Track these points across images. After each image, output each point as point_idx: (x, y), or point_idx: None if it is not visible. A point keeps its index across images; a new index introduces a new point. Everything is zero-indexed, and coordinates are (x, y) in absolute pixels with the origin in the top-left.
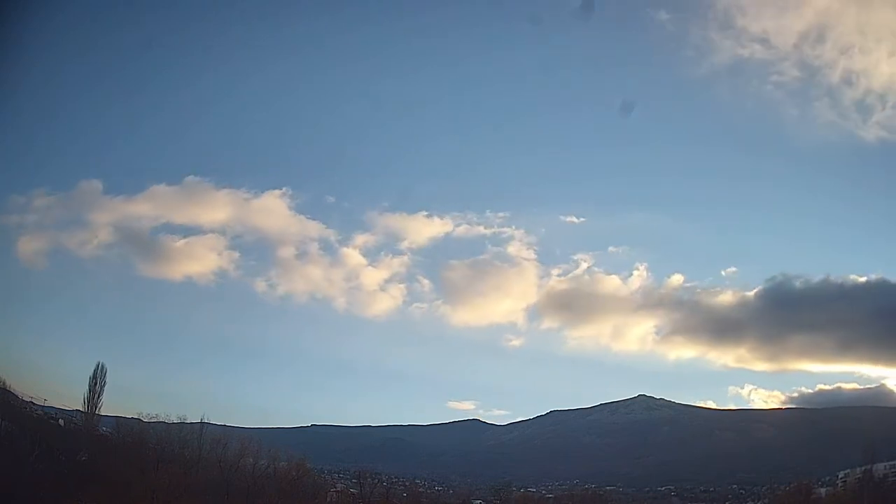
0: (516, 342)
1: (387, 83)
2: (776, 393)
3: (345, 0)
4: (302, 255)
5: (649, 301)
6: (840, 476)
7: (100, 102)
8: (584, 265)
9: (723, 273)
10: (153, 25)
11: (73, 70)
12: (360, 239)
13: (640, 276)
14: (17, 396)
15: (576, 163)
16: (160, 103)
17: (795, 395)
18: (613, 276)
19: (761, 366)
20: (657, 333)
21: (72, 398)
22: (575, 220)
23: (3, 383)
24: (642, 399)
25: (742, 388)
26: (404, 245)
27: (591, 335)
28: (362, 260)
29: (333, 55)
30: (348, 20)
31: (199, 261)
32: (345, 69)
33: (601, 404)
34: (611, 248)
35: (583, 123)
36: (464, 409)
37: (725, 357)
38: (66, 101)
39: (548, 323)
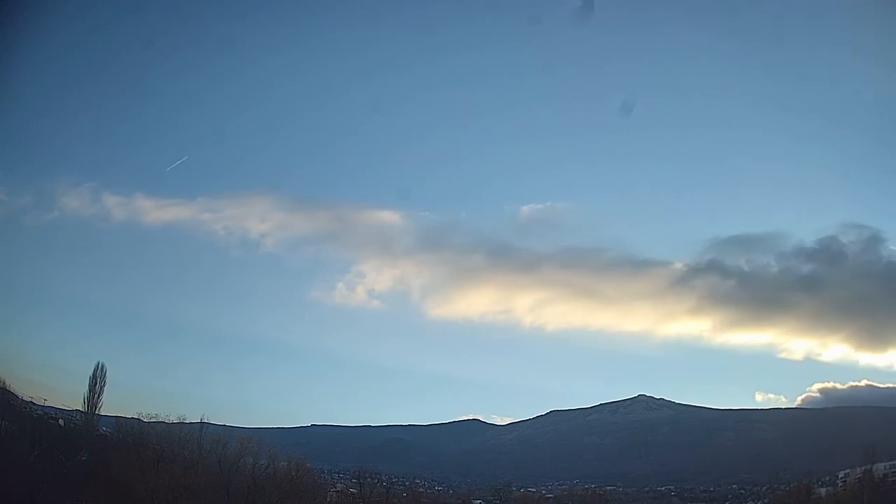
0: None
1: (380, 81)
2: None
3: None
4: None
5: None
6: (840, 476)
7: (97, 98)
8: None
9: None
10: (148, 24)
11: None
12: (356, 237)
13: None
14: (17, 396)
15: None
16: (151, 100)
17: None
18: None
19: None
20: None
21: (72, 398)
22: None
23: (3, 383)
24: (642, 399)
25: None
26: (401, 242)
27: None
28: (361, 257)
29: (331, 54)
30: (344, 19)
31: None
32: (342, 67)
33: (601, 404)
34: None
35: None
36: (464, 409)
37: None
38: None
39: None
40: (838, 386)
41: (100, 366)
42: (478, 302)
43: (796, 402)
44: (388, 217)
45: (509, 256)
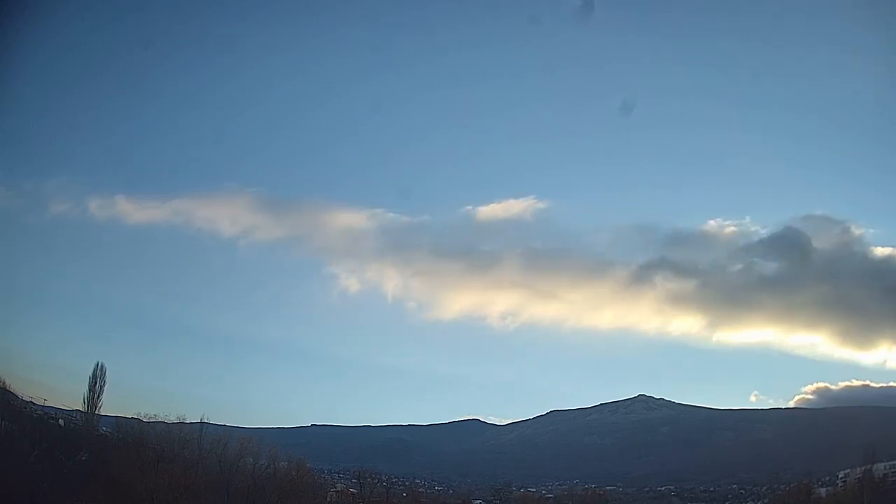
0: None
1: (378, 81)
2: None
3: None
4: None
5: None
6: (840, 476)
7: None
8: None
9: None
10: (141, 24)
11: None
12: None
13: None
14: (17, 396)
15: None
16: (149, 100)
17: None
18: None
19: None
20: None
21: (72, 398)
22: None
23: (3, 383)
24: (642, 399)
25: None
26: (398, 242)
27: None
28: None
29: (330, 54)
30: (342, 20)
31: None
32: (338, 68)
33: (601, 404)
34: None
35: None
36: (464, 409)
37: None
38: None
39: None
40: (833, 386)
41: (99, 366)
42: (474, 301)
43: (796, 402)
44: (376, 217)
45: (491, 257)
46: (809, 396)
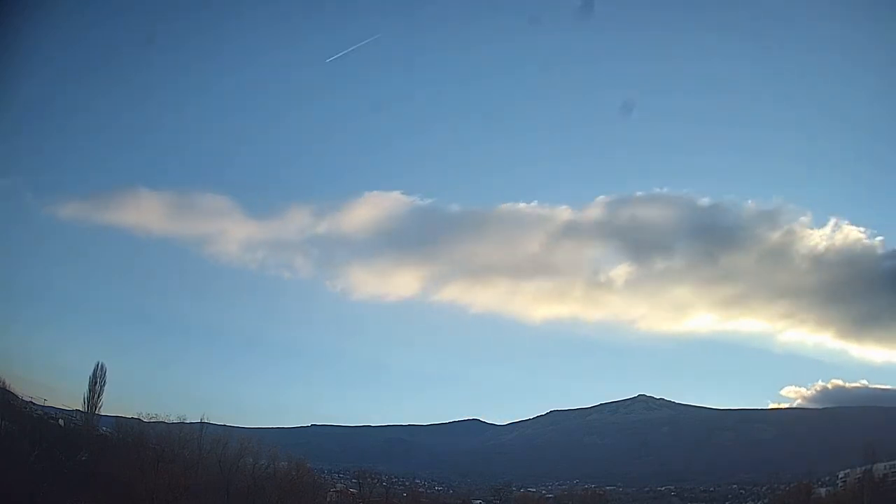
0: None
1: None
2: None
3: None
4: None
5: None
6: (840, 476)
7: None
8: None
9: None
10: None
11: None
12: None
13: None
14: (17, 396)
15: None
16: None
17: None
18: None
19: None
20: None
21: (72, 398)
22: None
23: (3, 383)
24: (642, 399)
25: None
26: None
27: None
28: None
29: (327, 52)
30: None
31: None
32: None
33: (601, 404)
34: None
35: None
36: (464, 409)
37: None
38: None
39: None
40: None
41: (100, 366)
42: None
43: (796, 401)
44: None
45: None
46: (814, 394)
